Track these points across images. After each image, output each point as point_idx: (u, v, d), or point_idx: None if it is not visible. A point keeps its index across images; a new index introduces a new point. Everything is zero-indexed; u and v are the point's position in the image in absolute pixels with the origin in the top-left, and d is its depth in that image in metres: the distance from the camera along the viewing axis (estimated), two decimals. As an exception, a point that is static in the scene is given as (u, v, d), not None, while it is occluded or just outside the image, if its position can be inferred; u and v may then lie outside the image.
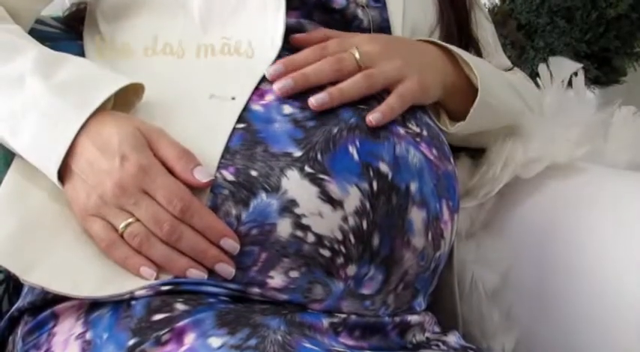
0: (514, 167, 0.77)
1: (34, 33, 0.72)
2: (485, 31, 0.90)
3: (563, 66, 0.90)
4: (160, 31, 0.69)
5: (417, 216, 0.63)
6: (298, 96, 0.63)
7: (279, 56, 0.65)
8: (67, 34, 0.80)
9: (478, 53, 0.85)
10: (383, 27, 0.74)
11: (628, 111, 0.88)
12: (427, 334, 0.67)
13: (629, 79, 1.72)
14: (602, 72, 1.54)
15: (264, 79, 0.64)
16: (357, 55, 0.65)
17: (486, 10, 0.99)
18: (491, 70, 0.80)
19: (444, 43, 0.74)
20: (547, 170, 0.79)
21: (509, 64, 0.95)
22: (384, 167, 0.61)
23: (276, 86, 0.62)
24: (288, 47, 0.67)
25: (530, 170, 0.78)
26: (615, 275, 0.70)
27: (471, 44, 0.84)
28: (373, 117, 0.62)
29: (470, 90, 0.73)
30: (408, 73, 0.67)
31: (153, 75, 0.66)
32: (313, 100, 0.61)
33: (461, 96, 0.74)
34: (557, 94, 0.87)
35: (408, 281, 0.64)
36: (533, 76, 0.96)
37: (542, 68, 0.93)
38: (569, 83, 0.91)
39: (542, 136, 0.80)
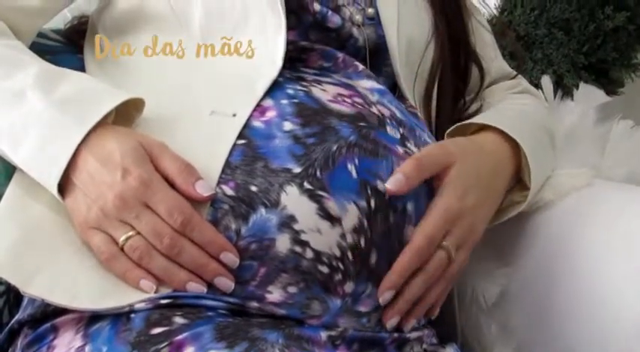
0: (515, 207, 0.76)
1: (34, 46, 0.72)
2: (484, 40, 0.89)
3: (592, 95, 0.88)
4: (161, 35, 0.69)
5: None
6: (299, 112, 0.63)
7: (280, 75, 0.65)
8: (67, 48, 0.80)
9: (478, 65, 0.85)
10: (378, 43, 0.74)
11: (625, 125, 0.87)
12: (425, 346, 0.67)
13: (627, 90, 1.72)
14: (600, 83, 1.54)
15: (264, 96, 0.64)
16: (452, 254, 0.63)
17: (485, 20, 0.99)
18: (544, 156, 0.78)
19: (523, 147, 0.72)
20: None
21: (509, 70, 0.94)
22: (381, 185, 0.61)
23: (387, 316, 0.62)
24: (289, 66, 0.67)
25: (530, 207, 0.77)
26: (615, 288, 0.70)
27: (470, 58, 0.85)
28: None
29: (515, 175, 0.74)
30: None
31: (152, 79, 0.67)
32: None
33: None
34: (578, 123, 0.85)
35: (404, 299, 0.64)
36: (533, 87, 0.95)
37: (545, 80, 0.92)
38: (568, 95, 0.91)
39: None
